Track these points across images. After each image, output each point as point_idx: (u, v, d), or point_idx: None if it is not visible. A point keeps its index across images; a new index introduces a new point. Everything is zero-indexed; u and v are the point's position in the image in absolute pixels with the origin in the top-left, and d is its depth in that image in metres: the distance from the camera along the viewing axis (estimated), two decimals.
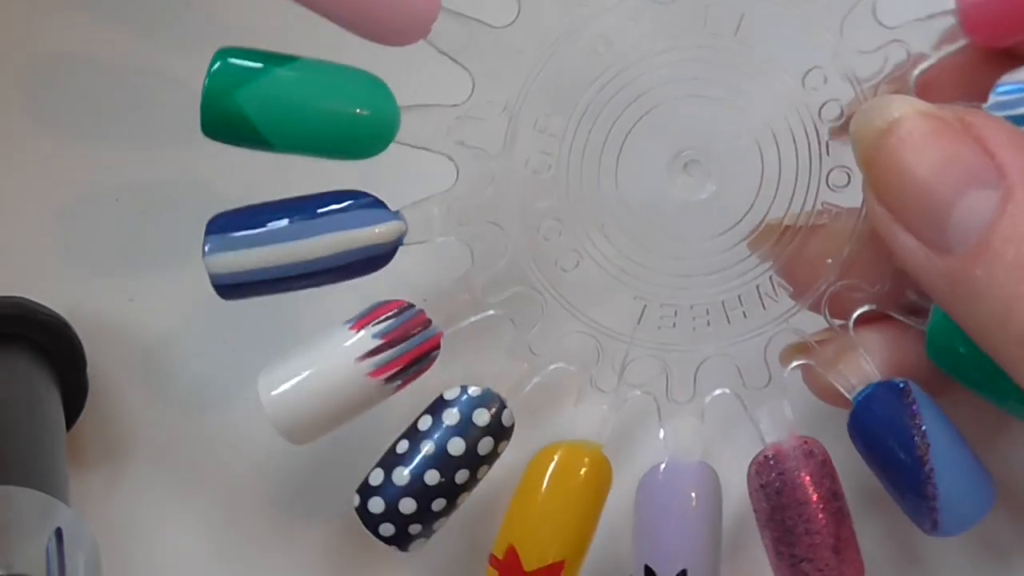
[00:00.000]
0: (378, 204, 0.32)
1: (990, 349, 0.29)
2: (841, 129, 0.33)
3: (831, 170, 0.33)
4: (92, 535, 0.33)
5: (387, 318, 0.33)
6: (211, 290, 0.31)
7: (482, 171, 0.33)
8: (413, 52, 0.31)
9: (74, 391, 0.38)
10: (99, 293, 0.39)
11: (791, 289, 0.34)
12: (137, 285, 0.40)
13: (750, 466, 0.34)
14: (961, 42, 0.32)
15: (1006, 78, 0.31)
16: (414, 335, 0.33)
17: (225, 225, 0.31)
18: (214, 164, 0.39)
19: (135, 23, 0.41)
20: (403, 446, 0.33)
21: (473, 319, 0.34)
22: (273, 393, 0.32)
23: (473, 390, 0.33)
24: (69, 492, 0.35)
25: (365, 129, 0.31)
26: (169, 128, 0.40)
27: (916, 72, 0.32)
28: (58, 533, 0.31)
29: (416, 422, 0.33)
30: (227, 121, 0.30)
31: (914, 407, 0.33)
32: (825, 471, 0.34)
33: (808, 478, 0.33)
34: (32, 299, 0.37)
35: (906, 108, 0.29)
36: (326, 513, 0.39)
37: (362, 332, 0.32)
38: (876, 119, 0.29)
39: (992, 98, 0.31)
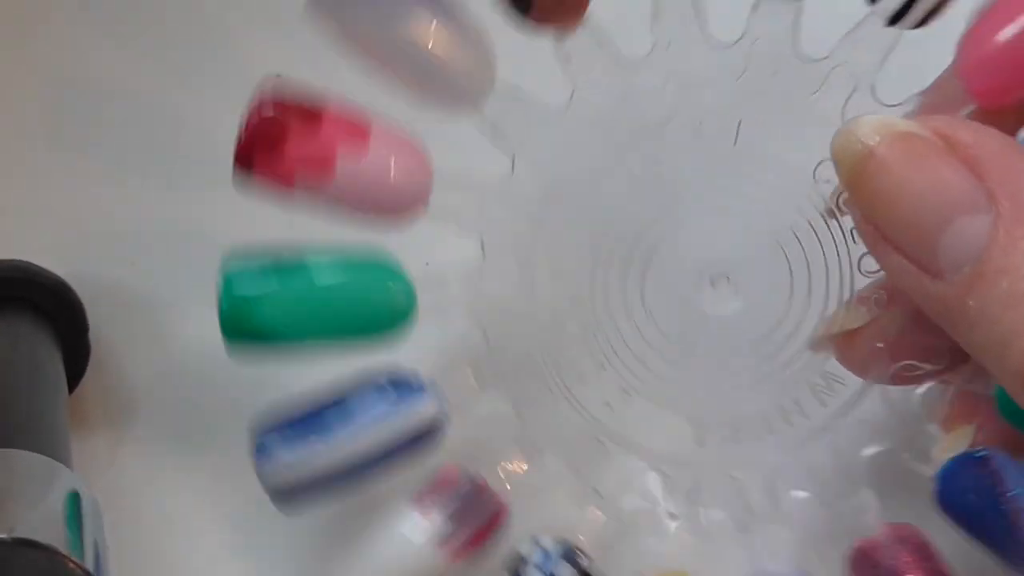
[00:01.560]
0: (415, 384, 0.33)
1: (991, 372, 0.28)
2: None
3: (861, 256, 0.33)
4: (94, 498, 0.33)
5: (451, 497, 0.33)
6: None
7: (507, 331, 0.34)
8: None
9: (76, 355, 0.38)
10: (101, 256, 0.40)
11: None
12: (139, 249, 0.40)
13: (845, 564, 0.33)
14: (970, 107, 0.31)
15: None
16: (482, 509, 0.33)
17: (271, 442, 0.32)
18: (217, 132, 0.38)
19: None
20: None
21: (535, 472, 0.34)
22: None
23: (549, 545, 0.33)
24: (71, 456, 0.35)
25: (385, 321, 0.32)
26: (173, 96, 0.41)
27: None
28: (60, 497, 0.31)
29: None
30: (250, 337, 0.31)
31: (999, 474, 0.31)
32: (923, 553, 0.32)
33: (906, 564, 0.32)
34: (34, 262, 0.37)
35: (884, 130, 0.28)
36: None
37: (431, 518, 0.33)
38: (855, 143, 0.28)
39: None
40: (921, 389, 0.33)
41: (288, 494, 0.32)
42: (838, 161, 0.28)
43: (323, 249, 0.32)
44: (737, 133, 0.33)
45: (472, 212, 0.33)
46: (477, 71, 0.32)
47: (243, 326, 0.31)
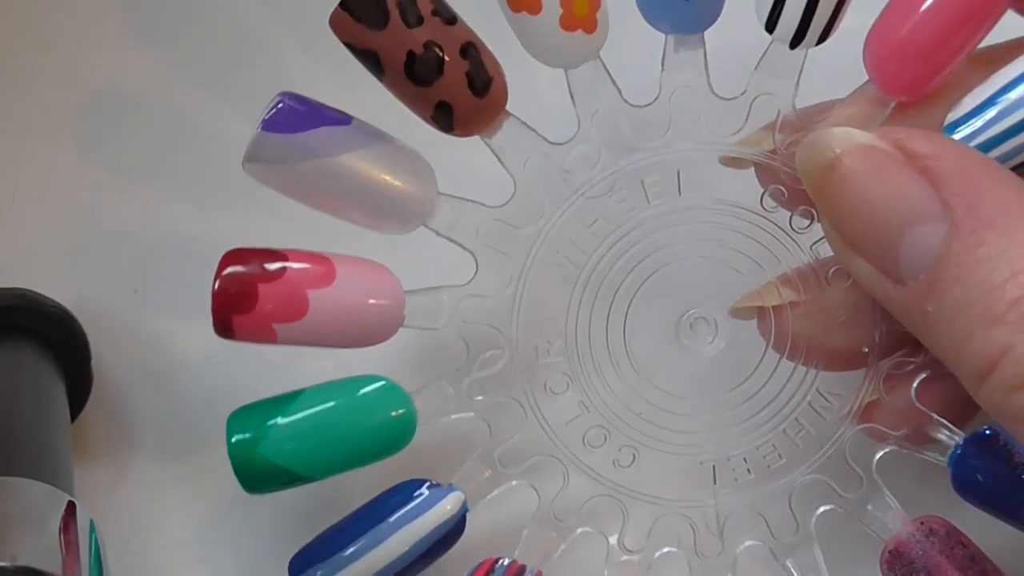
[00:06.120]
0: (433, 485, 0.33)
1: (954, 373, 0.29)
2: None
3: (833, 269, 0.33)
4: (97, 527, 0.33)
5: None
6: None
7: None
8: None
9: (79, 383, 0.38)
10: (104, 285, 0.40)
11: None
12: (142, 277, 0.40)
13: (881, 569, 0.33)
14: (891, 106, 0.33)
15: (949, 118, 0.31)
16: None
17: (306, 562, 0.33)
18: (218, 159, 0.40)
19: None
20: None
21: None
22: None
23: None
24: (74, 484, 0.34)
25: (389, 433, 0.33)
26: (175, 124, 0.41)
27: None
28: (63, 525, 0.31)
29: None
30: (263, 475, 0.32)
31: (1010, 447, 0.32)
32: (953, 541, 0.32)
33: (938, 553, 0.32)
34: (37, 291, 0.37)
35: (846, 143, 0.30)
36: (334, 499, 0.37)
37: None
38: (818, 155, 0.30)
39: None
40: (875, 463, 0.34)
41: None
42: (803, 172, 0.30)
43: (321, 386, 0.33)
44: (679, 184, 0.34)
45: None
46: (420, 191, 0.33)
47: (254, 464, 0.32)
